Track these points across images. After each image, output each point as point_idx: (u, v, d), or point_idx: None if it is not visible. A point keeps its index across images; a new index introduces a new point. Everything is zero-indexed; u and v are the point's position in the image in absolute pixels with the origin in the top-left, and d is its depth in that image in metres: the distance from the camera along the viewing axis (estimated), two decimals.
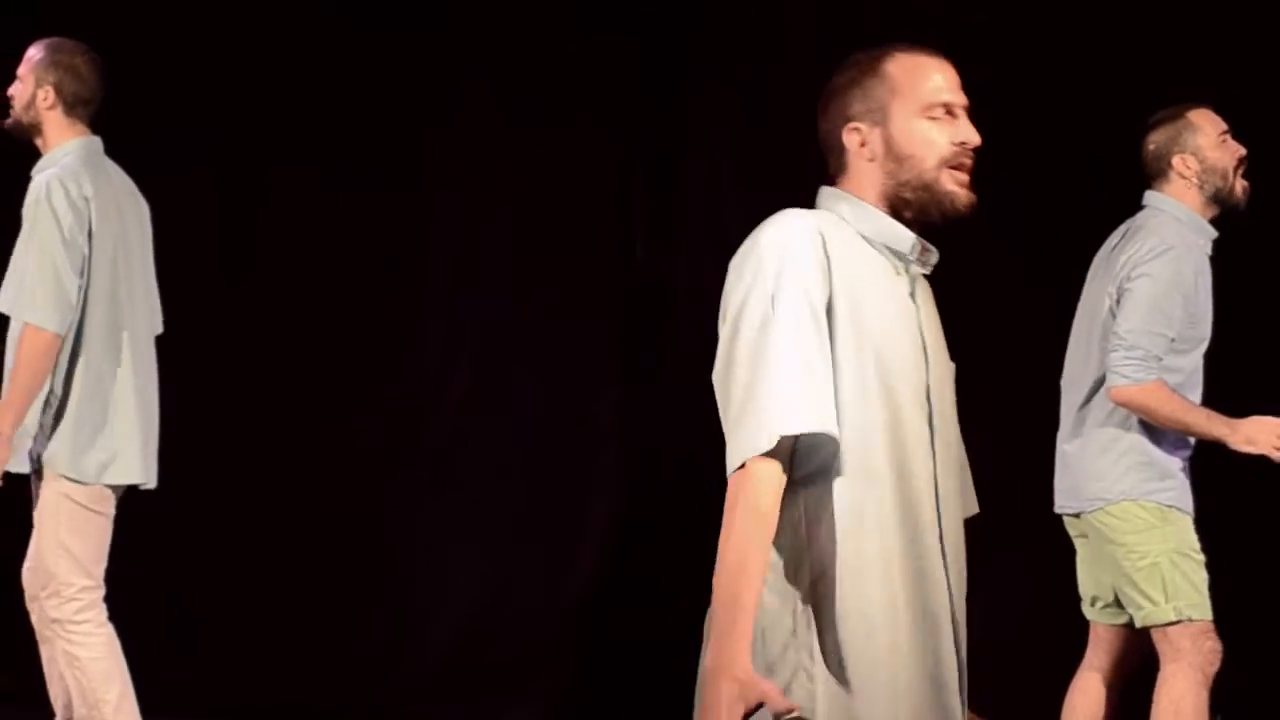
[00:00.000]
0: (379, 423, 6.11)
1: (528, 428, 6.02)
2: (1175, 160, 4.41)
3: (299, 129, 6.14)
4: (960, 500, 2.64)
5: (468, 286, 6.12)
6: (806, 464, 2.45)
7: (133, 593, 4.69)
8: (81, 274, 4.51)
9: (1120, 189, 4.55)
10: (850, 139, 2.60)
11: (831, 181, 2.64)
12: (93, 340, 4.56)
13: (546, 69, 6.04)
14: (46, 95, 4.64)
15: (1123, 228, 4.46)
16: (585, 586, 5.99)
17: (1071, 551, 4.53)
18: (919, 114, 2.57)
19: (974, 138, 2.58)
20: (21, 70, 4.69)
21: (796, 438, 2.41)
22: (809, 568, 2.45)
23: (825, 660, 2.43)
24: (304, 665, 6.00)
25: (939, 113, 2.58)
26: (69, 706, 4.59)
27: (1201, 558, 4.28)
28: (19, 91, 4.68)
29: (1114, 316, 4.28)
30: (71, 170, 4.56)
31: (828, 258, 2.47)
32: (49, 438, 4.51)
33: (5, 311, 4.51)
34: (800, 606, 2.45)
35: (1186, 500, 4.31)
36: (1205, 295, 4.31)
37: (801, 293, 2.43)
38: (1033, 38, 5.54)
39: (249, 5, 6.18)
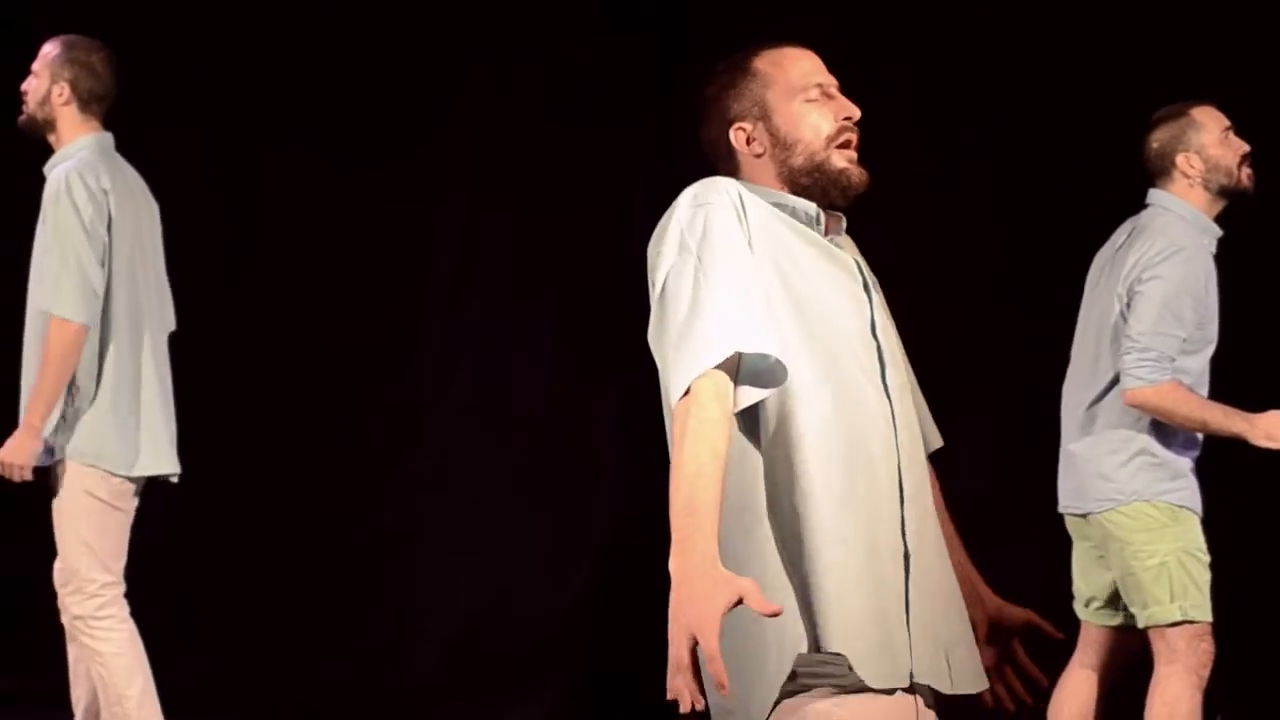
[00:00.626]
0: (379, 423, 6.11)
1: (528, 428, 6.01)
2: (1179, 159, 4.39)
3: (299, 127, 6.14)
4: (918, 431, 2.64)
5: (468, 286, 6.11)
6: (748, 395, 2.44)
7: (132, 592, 4.67)
8: (103, 264, 4.50)
9: (1121, 188, 4.54)
10: (737, 138, 2.68)
11: None
12: (119, 330, 4.55)
13: (547, 69, 6.03)
14: (62, 91, 4.63)
15: (1127, 226, 4.45)
16: (585, 586, 5.98)
17: (1066, 551, 4.51)
18: (796, 99, 2.66)
19: (854, 110, 2.67)
20: (36, 66, 4.68)
21: (738, 369, 2.42)
22: (756, 504, 2.46)
23: (772, 584, 2.42)
24: (304, 665, 5.99)
25: (815, 94, 2.67)
26: (89, 709, 4.59)
27: (1207, 559, 4.28)
28: (34, 87, 4.66)
29: (1125, 319, 4.27)
30: (89, 163, 4.55)
31: (744, 205, 2.54)
32: (73, 429, 4.50)
33: (43, 308, 4.48)
34: (744, 538, 2.45)
35: (1196, 501, 4.31)
36: (1213, 296, 4.30)
37: (726, 231, 2.49)
38: (1033, 38, 5.53)
39: (249, 3, 6.18)
